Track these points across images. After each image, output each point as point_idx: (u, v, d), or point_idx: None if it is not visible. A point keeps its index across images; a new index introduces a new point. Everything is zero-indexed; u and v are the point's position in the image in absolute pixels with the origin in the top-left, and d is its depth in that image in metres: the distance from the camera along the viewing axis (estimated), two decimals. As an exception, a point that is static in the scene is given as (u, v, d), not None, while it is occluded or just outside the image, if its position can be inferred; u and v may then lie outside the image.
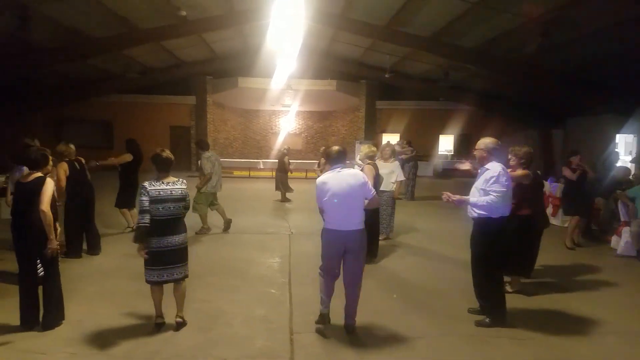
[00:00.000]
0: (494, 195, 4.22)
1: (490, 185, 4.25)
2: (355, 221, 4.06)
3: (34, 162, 4.24)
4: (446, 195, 4.41)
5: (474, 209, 4.36)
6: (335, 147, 4.29)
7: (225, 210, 8.39)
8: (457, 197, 4.39)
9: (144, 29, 12.12)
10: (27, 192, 4.06)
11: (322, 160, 11.16)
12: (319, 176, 4.48)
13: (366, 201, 4.16)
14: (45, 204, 3.95)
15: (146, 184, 4.00)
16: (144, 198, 3.95)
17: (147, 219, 3.93)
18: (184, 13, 9.98)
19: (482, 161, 4.45)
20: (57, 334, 4.05)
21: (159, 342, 3.94)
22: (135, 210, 7.56)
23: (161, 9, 10.96)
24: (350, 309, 4.25)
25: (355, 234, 4.06)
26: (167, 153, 4.19)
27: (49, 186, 4.05)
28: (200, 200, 7.93)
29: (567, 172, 7.72)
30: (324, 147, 12.82)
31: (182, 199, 4.14)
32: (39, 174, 4.18)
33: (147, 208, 3.94)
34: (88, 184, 6.65)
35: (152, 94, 19.42)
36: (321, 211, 4.17)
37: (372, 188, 4.27)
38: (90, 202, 6.64)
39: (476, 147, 4.51)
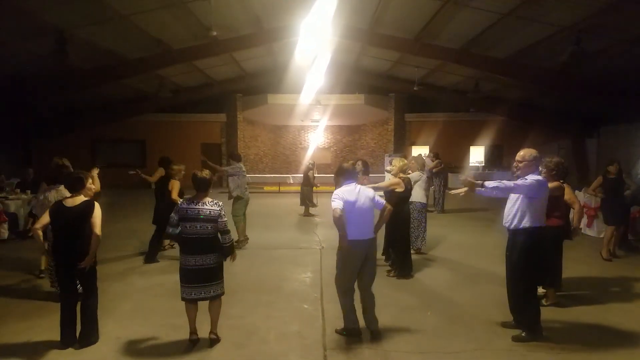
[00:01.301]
0: (515, 184, 4.14)
1: (523, 182, 4.19)
2: (371, 230, 4.40)
3: (76, 184, 4.31)
4: (465, 177, 4.33)
5: (493, 191, 4.14)
6: (348, 163, 4.63)
7: (258, 225, 8.51)
8: (471, 179, 4.23)
9: (177, 49, 12.54)
10: (76, 215, 4.13)
11: (310, 172, 11.97)
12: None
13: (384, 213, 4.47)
14: (99, 228, 4.12)
15: (181, 201, 4.15)
16: (174, 215, 4.09)
17: (174, 231, 4.09)
18: (215, 33, 10.24)
19: (522, 173, 4.37)
20: (94, 352, 4.14)
21: (193, 359, 3.99)
22: None
23: (193, 30, 11.32)
24: (373, 314, 4.44)
25: (373, 241, 4.43)
26: (203, 173, 4.21)
27: (99, 210, 4.21)
28: (238, 213, 8.17)
29: (597, 182, 7.67)
30: (311, 162, 13.02)
31: (211, 219, 4.07)
32: (85, 198, 4.29)
33: (175, 223, 4.08)
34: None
35: (184, 112, 20.03)
36: (341, 223, 4.22)
37: (382, 200, 4.56)
38: None
39: (516, 159, 4.44)
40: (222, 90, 19.19)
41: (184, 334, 4.35)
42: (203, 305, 4.26)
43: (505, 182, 4.20)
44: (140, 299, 5.54)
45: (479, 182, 4.17)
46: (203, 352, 4.11)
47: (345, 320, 4.46)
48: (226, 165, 8.45)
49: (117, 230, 9.61)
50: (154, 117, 19.79)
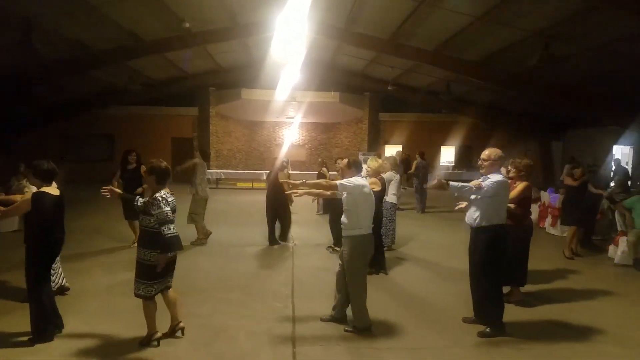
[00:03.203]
0: (484, 189, 4.27)
1: (486, 183, 4.32)
2: None
3: (53, 174, 4.30)
4: (437, 180, 4.47)
5: (464, 194, 4.41)
6: (357, 158, 4.90)
7: (230, 222, 8.41)
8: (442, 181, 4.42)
9: (148, 41, 12.23)
10: (62, 205, 4.24)
11: (323, 168, 11.37)
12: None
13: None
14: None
15: (164, 194, 3.96)
16: (168, 209, 3.91)
17: (174, 229, 3.94)
18: (187, 25, 10.04)
19: (486, 171, 4.48)
20: (55, 350, 4.01)
21: (161, 358, 3.90)
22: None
23: (165, 21, 11.07)
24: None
25: (372, 234, 4.56)
26: (165, 163, 4.14)
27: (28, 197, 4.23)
28: (197, 211, 7.99)
29: (567, 181, 7.93)
30: (321, 159, 12.99)
31: (175, 209, 4.11)
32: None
33: (172, 218, 3.95)
34: None
35: (155, 106, 19.58)
36: (353, 217, 4.33)
37: None
38: None
39: (481, 157, 4.55)
40: (194, 83, 18.86)
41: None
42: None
43: (465, 188, 4.36)
44: (106, 297, 5.39)
45: (444, 182, 4.36)
46: (170, 351, 4.02)
47: (364, 319, 4.48)
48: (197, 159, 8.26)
49: (81, 226, 9.32)
50: (124, 110, 19.27)
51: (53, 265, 5.00)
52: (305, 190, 4.56)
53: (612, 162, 9.72)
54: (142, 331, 4.25)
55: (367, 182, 4.59)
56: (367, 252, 4.51)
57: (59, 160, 5.89)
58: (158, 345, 4.09)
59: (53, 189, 4.27)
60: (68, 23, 9.89)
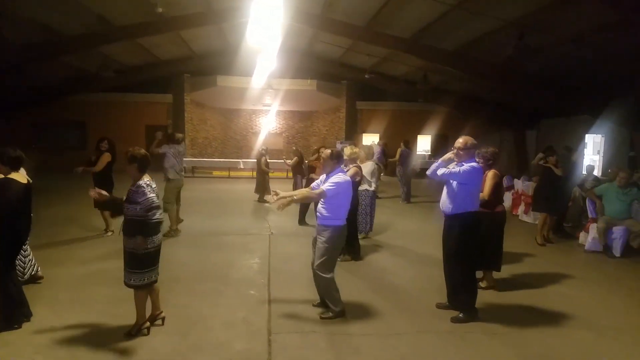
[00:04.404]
0: (457, 172, 4.38)
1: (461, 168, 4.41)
2: None
3: (20, 162, 4.25)
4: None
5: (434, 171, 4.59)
6: (339, 149, 5.03)
7: (206, 211, 8.29)
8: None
9: (120, 26, 11.88)
10: (29, 193, 4.21)
11: (297, 158, 11.35)
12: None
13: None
14: None
15: (147, 181, 3.93)
16: (153, 195, 3.88)
17: (160, 215, 3.96)
18: (160, 10, 9.76)
19: (460, 159, 4.54)
20: (26, 340, 3.92)
21: (134, 348, 3.84)
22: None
23: (137, 6, 10.75)
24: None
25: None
26: (144, 150, 4.13)
27: None
28: (169, 199, 7.72)
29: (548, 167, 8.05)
30: (295, 147, 12.90)
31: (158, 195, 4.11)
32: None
33: (158, 204, 3.93)
34: None
35: (128, 92, 19.09)
36: (334, 210, 4.41)
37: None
38: None
39: (454, 146, 4.59)
40: (168, 70, 18.45)
41: (123, 323, 4.19)
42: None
43: (442, 169, 4.53)
44: (78, 288, 5.27)
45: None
46: (145, 341, 3.97)
47: (338, 303, 4.55)
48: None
49: (52, 215, 9.08)
50: (96, 97, 18.75)
51: (24, 254, 4.94)
52: (290, 200, 4.41)
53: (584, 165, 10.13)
54: (115, 321, 4.23)
55: (348, 177, 4.64)
56: (343, 242, 4.66)
57: (29, 149, 5.69)
58: (148, 334, 4.06)
59: (21, 177, 4.17)
60: (35, 6, 9.51)
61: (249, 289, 5.39)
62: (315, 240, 4.61)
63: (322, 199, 4.47)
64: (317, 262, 4.49)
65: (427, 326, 4.45)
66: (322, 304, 4.69)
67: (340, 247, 4.67)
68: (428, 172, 4.72)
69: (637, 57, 9.01)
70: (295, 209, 11.11)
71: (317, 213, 4.60)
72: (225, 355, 3.79)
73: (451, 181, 4.51)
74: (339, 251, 4.72)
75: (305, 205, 8.90)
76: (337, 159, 4.57)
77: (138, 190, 3.86)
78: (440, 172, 4.55)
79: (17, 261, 4.71)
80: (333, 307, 4.52)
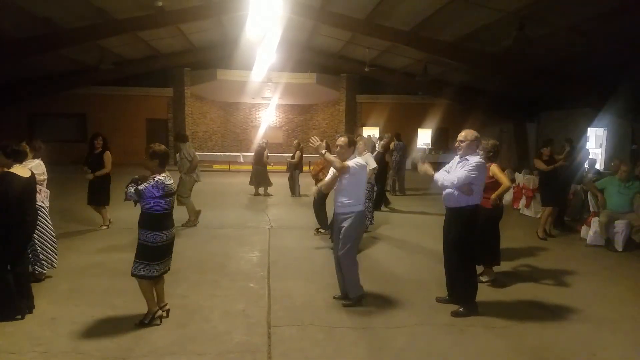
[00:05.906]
0: (465, 174, 4.30)
1: (466, 169, 4.35)
2: None
3: (24, 155, 4.33)
4: (425, 167, 4.65)
5: (446, 186, 4.47)
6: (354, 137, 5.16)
7: (206, 204, 8.36)
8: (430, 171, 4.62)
9: (120, 19, 11.83)
10: (32, 186, 4.25)
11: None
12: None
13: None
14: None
15: (162, 178, 3.94)
16: (154, 190, 3.88)
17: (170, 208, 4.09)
18: (160, 3, 9.73)
19: (463, 153, 4.49)
20: (27, 333, 3.93)
21: (133, 339, 3.85)
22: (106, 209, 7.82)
23: (137, -1, 10.72)
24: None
25: None
26: (164, 146, 4.21)
27: None
28: (185, 194, 8.00)
29: (538, 164, 7.96)
30: (297, 141, 12.84)
31: (174, 192, 4.24)
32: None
33: (170, 199, 4.06)
34: None
35: (128, 86, 19.04)
36: (355, 195, 4.56)
37: None
38: None
39: (458, 139, 4.55)
40: (168, 63, 18.44)
41: (122, 314, 4.22)
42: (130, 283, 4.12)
43: (448, 177, 4.45)
44: (78, 279, 5.28)
45: (431, 174, 4.57)
46: (144, 332, 3.97)
47: (359, 289, 4.70)
48: (174, 148, 8.21)
49: (51, 207, 9.03)
50: (96, 90, 18.67)
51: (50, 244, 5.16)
52: (325, 156, 4.67)
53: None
54: (114, 312, 4.26)
55: (363, 161, 4.77)
56: (364, 227, 5.06)
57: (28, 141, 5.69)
58: (160, 323, 4.11)
59: (23, 170, 4.17)
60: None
61: (248, 281, 5.39)
62: (338, 231, 4.66)
63: (342, 181, 4.58)
64: (342, 251, 4.59)
65: (426, 319, 4.43)
66: (344, 296, 4.75)
67: (361, 232, 4.90)
68: (439, 184, 4.52)
69: (637, 47, 8.92)
70: (293, 202, 11.15)
71: (337, 203, 4.66)
72: (224, 347, 3.78)
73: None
74: (361, 237, 4.98)
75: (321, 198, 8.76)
76: (354, 145, 4.82)
77: (157, 185, 3.91)
78: (451, 181, 4.38)
79: (47, 251, 5.03)
80: (355, 292, 4.66)
